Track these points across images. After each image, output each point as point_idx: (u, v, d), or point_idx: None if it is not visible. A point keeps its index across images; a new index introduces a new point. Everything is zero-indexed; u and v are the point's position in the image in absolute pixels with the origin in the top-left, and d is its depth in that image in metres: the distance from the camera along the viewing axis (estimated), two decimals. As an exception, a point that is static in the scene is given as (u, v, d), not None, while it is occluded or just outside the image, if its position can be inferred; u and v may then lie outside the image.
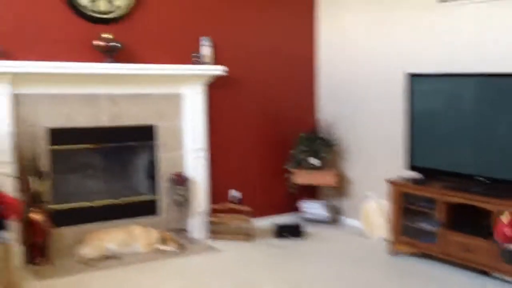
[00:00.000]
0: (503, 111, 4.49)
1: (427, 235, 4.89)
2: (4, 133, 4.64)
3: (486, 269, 4.47)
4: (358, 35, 6.03)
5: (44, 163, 4.89)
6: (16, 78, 4.67)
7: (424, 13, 5.32)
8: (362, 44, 5.98)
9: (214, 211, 5.69)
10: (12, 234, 4.27)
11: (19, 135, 4.74)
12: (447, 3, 5.11)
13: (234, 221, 5.63)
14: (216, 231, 5.60)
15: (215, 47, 5.69)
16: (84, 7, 5.06)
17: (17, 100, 4.74)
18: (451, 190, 4.65)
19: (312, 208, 6.23)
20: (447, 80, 4.95)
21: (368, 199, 5.85)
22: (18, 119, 4.75)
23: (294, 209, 6.27)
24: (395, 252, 5.13)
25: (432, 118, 5.03)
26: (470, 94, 4.77)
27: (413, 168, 5.14)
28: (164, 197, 5.53)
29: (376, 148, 5.91)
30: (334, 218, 6.24)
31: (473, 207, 4.50)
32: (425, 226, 4.92)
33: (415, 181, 5.03)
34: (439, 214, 4.73)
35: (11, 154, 4.67)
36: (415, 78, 5.13)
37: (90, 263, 4.77)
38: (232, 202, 5.88)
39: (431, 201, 4.82)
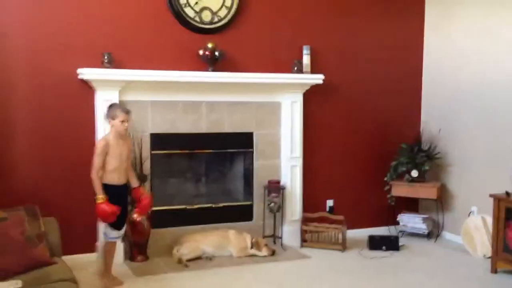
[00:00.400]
0: None
1: None
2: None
3: None
4: (466, 46, 5.72)
5: (147, 166, 5.08)
6: (124, 85, 4.88)
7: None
8: (470, 55, 5.67)
9: (307, 220, 5.63)
10: (121, 233, 4.47)
11: (125, 139, 4.96)
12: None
13: (327, 231, 5.53)
14: (309, 239, 5.54)
15: (314, 56, 5.63)
16: (190, 18, 5.20)
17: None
18: None
19: (411, 221, 5.98)
20: None
21: (471, 214, 5.55)
22: (125, 125, 4.98)
23: (391, 221, 6.05)
24: (496, 270, 4.84)
25: None
26: None
27: None
28: (259, 204, 5.56)
29: (481, 162, 5.56)
30: (434, 233, 5.97)
31: None
32: None
33: None
34: None
35: (117, 157, 4.90)
36: None
37: (185, 263, 4.89)
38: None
39: None
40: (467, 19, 5.72)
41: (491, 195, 4.87)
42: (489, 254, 5.04)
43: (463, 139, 5.77)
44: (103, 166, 4.27)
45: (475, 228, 5.42)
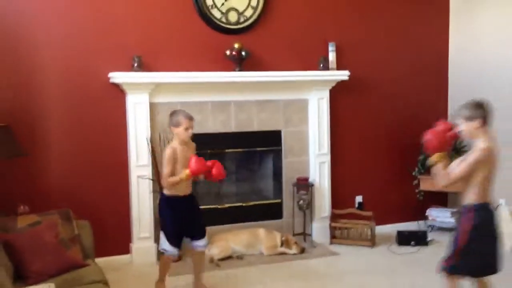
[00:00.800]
0: None
1: None
2: (143, 139, 4.85)
3: None
4: (491, 38, 5.57)
5: (178, 167, 5.06)
6: (153, 88, 4.87)
7: None
8: (495, 48, 5.52)
9: (336, 216, 5.56)
10: (176, 252, 4.20)
11: (156, 141, 4.94)
12: None
13: (356, 227, 5.46)
14: (338, 235, 5.48)
15: (339, 52, 5.53)
16: (217, 19, 5.15)
17: (154, 109, 4.94)
18: None
19: (440, 215, 5.86)
20: None
21: (499, 207, 5.41)
22: (155, 127, 4.95)
23: (420, 216, 5.93)
24: None
25: None
26: None
27: None
28: (288, 201, 5.50)
29: (507, 154, 5.42)
30: (463, 226, 5.86)
31: None
32: None
33: None
34: None
35: (149, 158, 4.89)
36: None
37: (217, 263, 4.87)
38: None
39: None
40: (492, 12, 5.56)
41: None
42: (517, 246, 4.91)
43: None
44: (171, 175, 3.96)
45: (503, 220, 5.30)
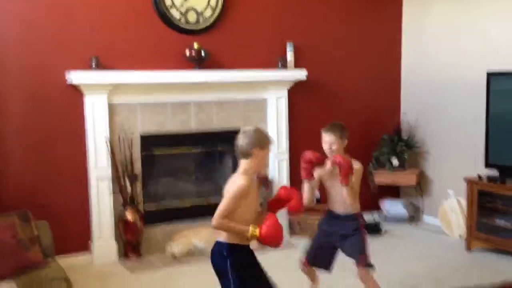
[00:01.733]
0: None
1: (504, 231, 4.67)
2: (102, 140, 4.66)
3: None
4: (442, 40, 5.60)
5: (138, 167, 4.87)
6: (112, 89, 4.66)
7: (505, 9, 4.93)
8: (445, 44, 5.56)
9: (295, 211, 5.47)
10: None
11: (115, 142, 4.74)
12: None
13: (314, 221, 5.38)
14: (297, 229, 5.40)
15: (297, 52, 5.43)
16: (176, 19, 4.97)
17: (113, 109, 4.73)
18: None
19: (393, 207, 5.90)
20: None
21: (447, 198, 5.51)
22: (114, 127, 4.75)
23: (374, 208, 5.90)
24: (471, 248, 4.89)
25: (510, 116, 4.72)
26: None
27: (491, 166, 4.83)
28: (248, 198, 5.38)
29: (456, 148, 5.53)
30: (414, 217, 5.88)
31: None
32: (502, 222, 4.69)
33: (492, 179, 4.75)
34: None
35: (108, 159, 4.69)
36: (494, 77, 4.81)
37: (178, 259, 4.73)
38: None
39: (507, 198, 4.60)
40: (443, 14, 5.58)
41: (464, 179, 4.91)
42: (464, 234, 5.05)
43: (439, 128, 5.71)
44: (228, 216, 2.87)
45: (451, 210, 5.42)
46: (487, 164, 4.86)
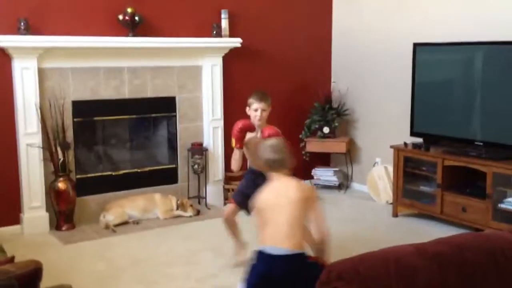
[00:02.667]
0: (498, 80, 4.40)
1: (427, 197, 4.88)
2: (32, 106, 4.44)
3: (480, 227, 4.38)
4: (371, 12, 5.69)
5: (70, 134, 4.70)
6: (42, 53, 4.43)
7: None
8: (375, 15, 5.67)
9: (229, 179, 5.48)
10: None
11: (46, 108, 4.53)
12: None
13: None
14: (231, 197, 5.43)
15: (231, 19, 5.36)
16: (108, -19, 4.78)
17: (43, 74, 4.52)
18: (450, 154, 4.57)
19: (324, 174, 6.03)
20: (447, 49, 4.82)
21: (375, 165, 5.71)
22: (45, 93, 4.53)
23: (307, 175, 6.00)
24: (397, 214, 5.10)
25: (435, 86, 4.91)
26: (468, 62, 4.67)
27: (417, 134, 5.02)
28: (183, 166, 5.33)
29: (384, 117, 5.70)
30: (344, 184, 6.05)
31: (469, 169, 4.48)
32: (425, 188, 4.91)
33: (417, 146, 4.93)
34: (438, 176, 4.68)
35: (38, 126, 4.49)
36: (419, 48, 4.96)
37: (112, 228, 4.63)
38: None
39: (431, 164, 4.79)
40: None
41: (391, 146, 5.07)
42: (391, 200, 5.23)
43: (368, 97, 5.84)
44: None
45: (378, 177, 5.60)
46: (412, 133, 5.02)
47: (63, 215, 4.61)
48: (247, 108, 3.81)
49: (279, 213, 2.76)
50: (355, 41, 5.92)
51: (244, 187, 3.76)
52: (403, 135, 5.12)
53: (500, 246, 1.91)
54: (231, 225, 3.83)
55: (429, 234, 4.59)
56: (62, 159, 4.57)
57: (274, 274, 2.71)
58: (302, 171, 5.99)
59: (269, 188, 2.91)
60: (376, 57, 5.70)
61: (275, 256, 2.71)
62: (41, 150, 4.52)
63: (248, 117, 3.79)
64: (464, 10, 4.85)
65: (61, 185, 4.54)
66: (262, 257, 2.77)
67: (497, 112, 4.40)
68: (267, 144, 3.07)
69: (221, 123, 5.42)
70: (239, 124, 3.66)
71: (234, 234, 3.86)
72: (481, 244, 1.92)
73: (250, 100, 3.81)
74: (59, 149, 4.56)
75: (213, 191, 5.41)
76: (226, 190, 5.42)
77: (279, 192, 2.84)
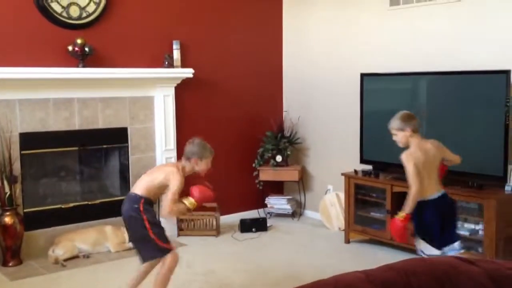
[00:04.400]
0: (442, 108, 4.57)
1: (378, 223, 4.93)
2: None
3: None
4: (320, 37, 5.82)
5: (17, 167, 4.54)
6: (-12, 84, 4.31)
7: (376, 17, 5.24)
8: (323, 47, 5.78)
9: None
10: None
11: (-6, 140, 4.39)
12: (397, 7, 5.05)
13: (202, 218, 5.38)
14: (185, 228, 5.34)
15: (183, 50, 5.37)
16: (57, 13, 4.70)
17: (-11, 106, 4.39)
18: (398, 181, 4.62)
19: (277, 203, 6.01)
20: (393, 79, 4.97)
21: (327, 192, 5.75)
22: (-9, 124, 4.40)
23: (260, 204, 6.02)
24: (350, 240, 5.13)
25: (382, 114, 4.87)
26: (413, 92, 4.84)
27: (366, 162, 5.10)
28: (135, 197, 5.22)
29: (335, 144, 5.78)
30: (297, 212, 6.06)
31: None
32: (376, 214, 4.97)
33: (367, 174, 4.99)
34: (387, 202, 4.73)
35: (-14, 159, 4.34)
36: (366, 78, 5.08)
37: (62, 263, 4.46)
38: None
39: (380, 191, 4.85)
40: (322, 17, 5.77)
41: (342, 174, 5.13)
42: (343, 226, 5.26)
43: (319, 125, 5.92)
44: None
45: (330, 204, 5.64)
46: (362, 160, 5.11)
47: (9, 251, 4.42)
48: (198, 161, 3.58)
49: None
50: (305, 71, 6.02)
51: None
52: (353, 163, 5.19)
53: (446, 272, 1.93)
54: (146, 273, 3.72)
55: (380, 259, 4.63)
56: (8, 192, 4.40)
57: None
58: (255, 199, 6.02)
59: None
60: (326, 86, 5.80)
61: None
62: (-13, 184, 4.35)
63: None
64: (407, 41, 5.00)
65: (7, 219, 4.37)
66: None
67: (441, 139, 4.51)
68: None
69: (174, 154, 5.35)
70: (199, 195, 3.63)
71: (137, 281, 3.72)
72: (427, 270, 1.94)
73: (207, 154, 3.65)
74: (5, 182, 4.39)
75: (167, 222, 5.27)
76: (179, 221, 5.32)
77: None
